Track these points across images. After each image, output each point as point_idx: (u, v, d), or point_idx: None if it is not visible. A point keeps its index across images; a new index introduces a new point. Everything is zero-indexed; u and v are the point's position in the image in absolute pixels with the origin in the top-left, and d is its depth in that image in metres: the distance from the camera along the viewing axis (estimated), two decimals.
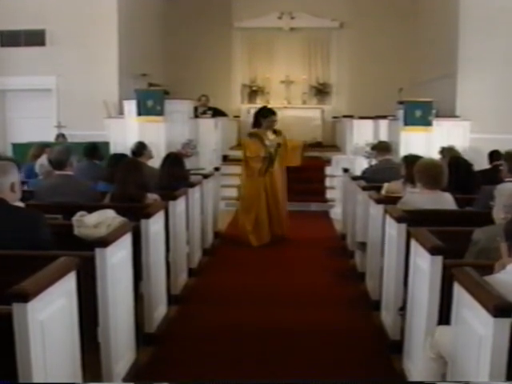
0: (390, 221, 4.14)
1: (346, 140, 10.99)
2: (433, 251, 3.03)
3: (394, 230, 3.95)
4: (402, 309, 3.76)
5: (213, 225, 7.39)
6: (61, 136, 9.31)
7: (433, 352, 2.82)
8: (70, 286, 2.66)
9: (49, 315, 2.41)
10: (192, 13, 13.83)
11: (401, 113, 8.88)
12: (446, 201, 4.34)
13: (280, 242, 7.06)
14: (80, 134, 9.21)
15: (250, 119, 13.67)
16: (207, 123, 9.92)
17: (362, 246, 5.65)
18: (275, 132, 7.10)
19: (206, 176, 7.01)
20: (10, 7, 10.17)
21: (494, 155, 6.50)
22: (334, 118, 13.87)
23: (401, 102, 9.02)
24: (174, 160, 5.94)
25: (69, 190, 4.55)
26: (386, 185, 5.34)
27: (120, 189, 4.60)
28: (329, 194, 10.00)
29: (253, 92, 14.72)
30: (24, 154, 7.55)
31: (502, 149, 5.56)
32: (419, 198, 4.31)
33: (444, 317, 2.93)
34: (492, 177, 5.30)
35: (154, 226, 4.16)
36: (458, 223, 3.84)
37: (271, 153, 6.95)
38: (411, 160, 4.94)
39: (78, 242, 3.45)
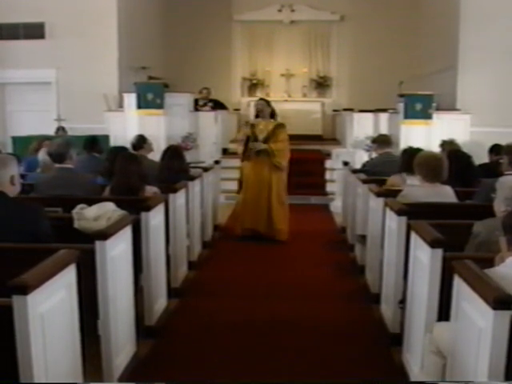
0: (390, 214, 4.14)
1: (346, 133, 10.98)
2: (433, 244, 3.03)
3: (394, 223, 3.95)
4: (402, 302, 3.76)
5: (212, 218, 7.39)
6: (61, 129, 9.30)
7: (432, 346, 2.83)
8: (70, 279, 2.66)
9: (49, 308, 2.41)
10: (192, 5, 13.79)
11: (401, 106, 8.87)
12: (446, 194, 4.33)
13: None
14: (80, 127, 9.19)
15: (250, 112, 13.79)
16: (207, 116, 9.92)
17: (362, 239, 5.65)
18: (279, 125, 6.93)
19: (205, 169, 7.01)
20: (9, 0, 10.14)
21: (494, 150, 6.47)
22: (335, 111, 13.87)
23: (401, 95, 9.00)
24: (173, 153, 5.94)
25: (69, 183, 4.54)
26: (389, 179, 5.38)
27: (119, 179, 4.59)
28: (329, 188, 9.99)
29: (253, 85, 14.72)
30: (24, 147, 7.56)
31: (503, 142, 5.55)
32: (419, 191, 4.31)
33: (444, 310, 2.93)
34: (492, 170, 5.29)
35: (154, 219, 4.15)
36: (458, 216, 3.84)
37: (248, 136, 6.80)
38: (410, 152, 5.02)
39: (78, 234, 3.46)
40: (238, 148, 6.98)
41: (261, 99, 7.32)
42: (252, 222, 6.88)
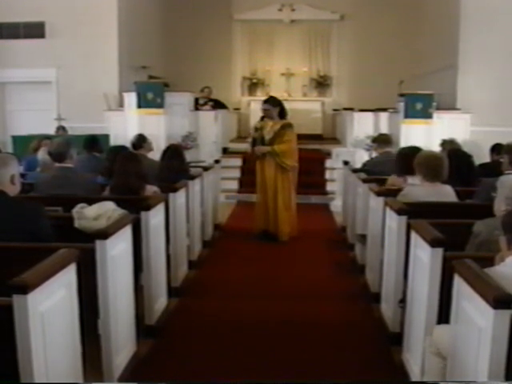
0: (390, 213, 4.14)
1: (346, 132, 10.99)
2: (433, 243, 3.02)
3: (395, 223, 3.95)
4: (402, 301, 3.76)
5: (213, 217, 7.39)
6: (61, 128, 9.28)
7: (433, 348, 2.83)
8: (70, 278, 2.66)
9: (49, 307, 2.41)
10: (192, 5, 13.80)
11: (401, 105, 8.87)
12: (446, 193, 4.33)
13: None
14: (80, 126, 9.18)
15: (250, 111, 13.83)
16: (207, 116, 9.92)
17: (362, 238, 5.65)
18: (284, 125, 6.78)
19: (206, 168, 7.01)
20: None
21: (495, 149, 6.45)
22: (335, 110, 13.87)
23: (401, 95, 9.00)
24: (173, 152, 5.94)
25: (69, 182, 4.54)
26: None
27: (119, 179, 4.59)
28: (329, 187, 9.99)
29: (253, 84, 14.73)
30: (24, 146, 7.55)
31: (503, 142, 5.54)
32: (419, 190, 4.31)
33: (444, 309, 2.92)
34: (492, 170, 5.28)
35: (154, 219, 4.15)
36: (459, 215, 3.84)
37: (255, 138, 6.80)
38: (406, 152, 5.03)
39: (78, 234, 3.45)
40: (248, 148, 6.97)
41: (266, 101, 6.92)
42: (264, 222, 6.91)
